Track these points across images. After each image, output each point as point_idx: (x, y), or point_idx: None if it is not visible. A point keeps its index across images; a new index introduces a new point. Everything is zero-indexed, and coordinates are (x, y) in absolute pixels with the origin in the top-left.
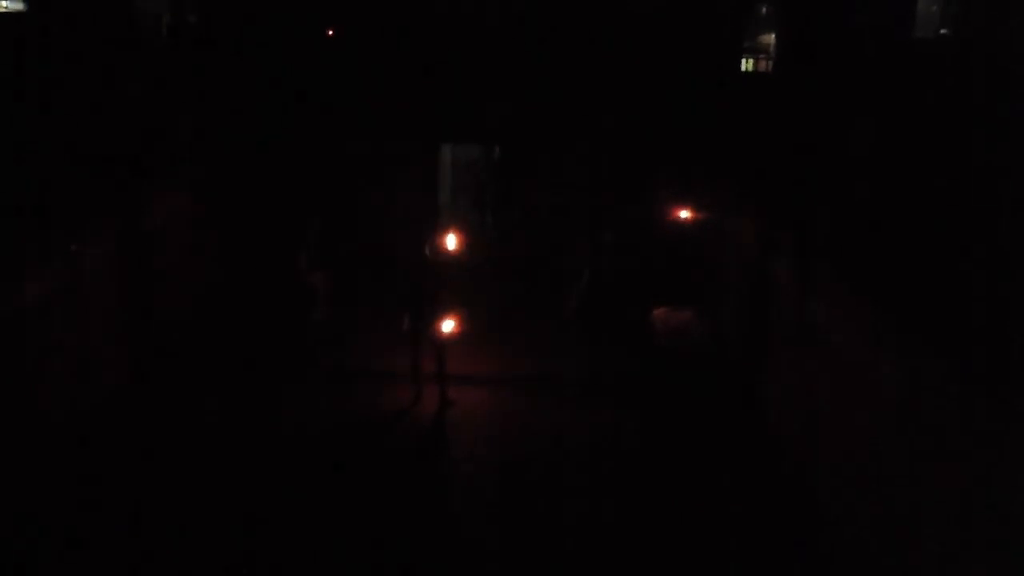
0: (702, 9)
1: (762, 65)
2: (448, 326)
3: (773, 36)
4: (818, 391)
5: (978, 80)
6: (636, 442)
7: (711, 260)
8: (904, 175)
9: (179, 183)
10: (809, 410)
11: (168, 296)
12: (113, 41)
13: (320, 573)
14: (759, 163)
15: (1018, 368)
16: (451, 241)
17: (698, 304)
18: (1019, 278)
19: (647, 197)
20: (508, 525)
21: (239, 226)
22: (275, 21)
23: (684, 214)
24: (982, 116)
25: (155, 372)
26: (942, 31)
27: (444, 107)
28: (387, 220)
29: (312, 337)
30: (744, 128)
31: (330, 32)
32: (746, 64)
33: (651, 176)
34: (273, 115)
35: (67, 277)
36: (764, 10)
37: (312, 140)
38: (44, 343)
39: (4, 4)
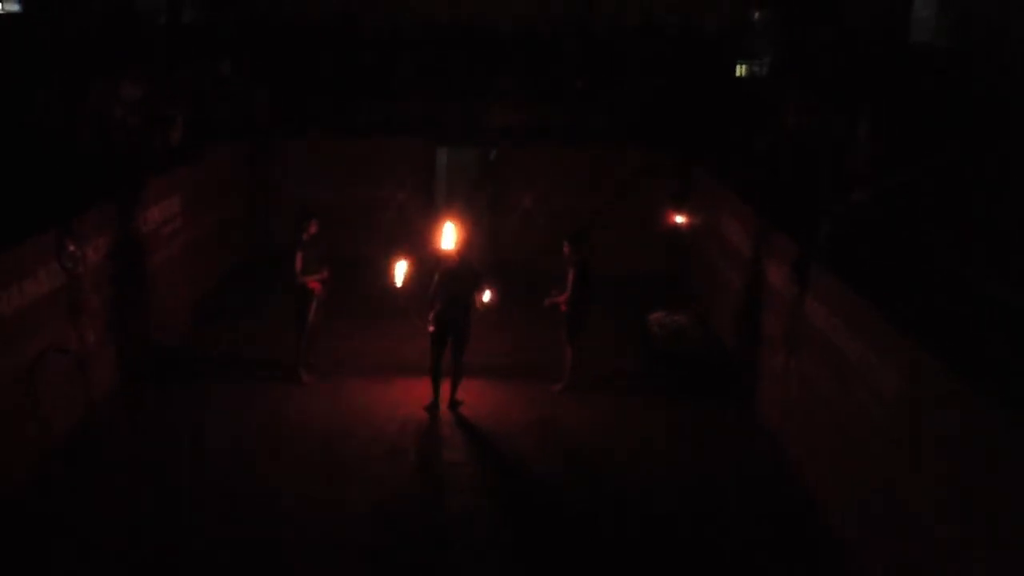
0: None
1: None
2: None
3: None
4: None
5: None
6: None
7: (706, 264)
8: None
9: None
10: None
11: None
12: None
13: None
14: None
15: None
16: (448, 244)
17: (694, 308)
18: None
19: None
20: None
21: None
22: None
23: (679, 219)
24: (980, 119)
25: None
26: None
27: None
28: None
29: (307, 338)
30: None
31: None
32: (740, 70)
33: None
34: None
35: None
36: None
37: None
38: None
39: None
